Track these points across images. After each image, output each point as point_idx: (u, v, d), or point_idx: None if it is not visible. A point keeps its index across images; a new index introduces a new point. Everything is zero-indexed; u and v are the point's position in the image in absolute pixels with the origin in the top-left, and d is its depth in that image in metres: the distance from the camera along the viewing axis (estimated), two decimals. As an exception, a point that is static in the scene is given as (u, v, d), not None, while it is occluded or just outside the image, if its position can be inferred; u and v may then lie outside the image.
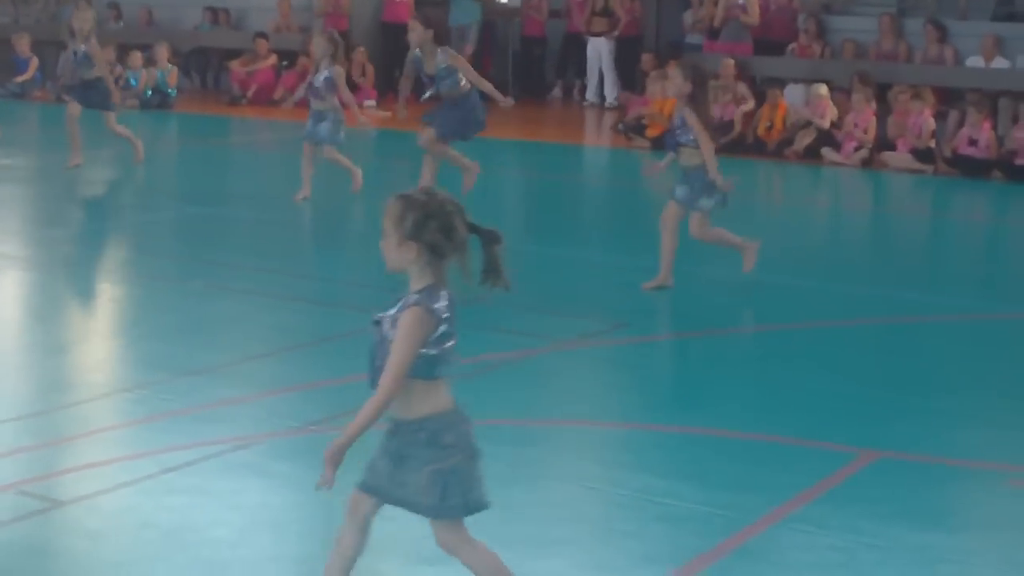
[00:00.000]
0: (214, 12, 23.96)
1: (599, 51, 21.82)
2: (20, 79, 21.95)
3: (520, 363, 7.69)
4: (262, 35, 22.44)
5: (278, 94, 21.80)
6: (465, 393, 4.25)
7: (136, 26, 24.18)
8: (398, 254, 4.09)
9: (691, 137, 9.07)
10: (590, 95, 22.10)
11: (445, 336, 4.08)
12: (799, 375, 7.68)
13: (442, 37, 11.90)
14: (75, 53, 14.49)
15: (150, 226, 11.96)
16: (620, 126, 18.61)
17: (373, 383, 4.10)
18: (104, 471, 5.86)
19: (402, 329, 4.01)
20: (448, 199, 4.12)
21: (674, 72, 9.22)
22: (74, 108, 14.49)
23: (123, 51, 21.08)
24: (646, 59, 20.13)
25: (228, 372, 7.41)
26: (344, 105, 12.82)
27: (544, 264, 10.29)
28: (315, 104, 12.84)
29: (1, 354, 7.87)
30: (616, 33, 21.73)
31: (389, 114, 20.92)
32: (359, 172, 12.89)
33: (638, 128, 17.87)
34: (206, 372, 7.36)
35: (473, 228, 4.12)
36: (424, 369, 4.08)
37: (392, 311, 4.09)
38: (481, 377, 7.15)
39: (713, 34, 20.02)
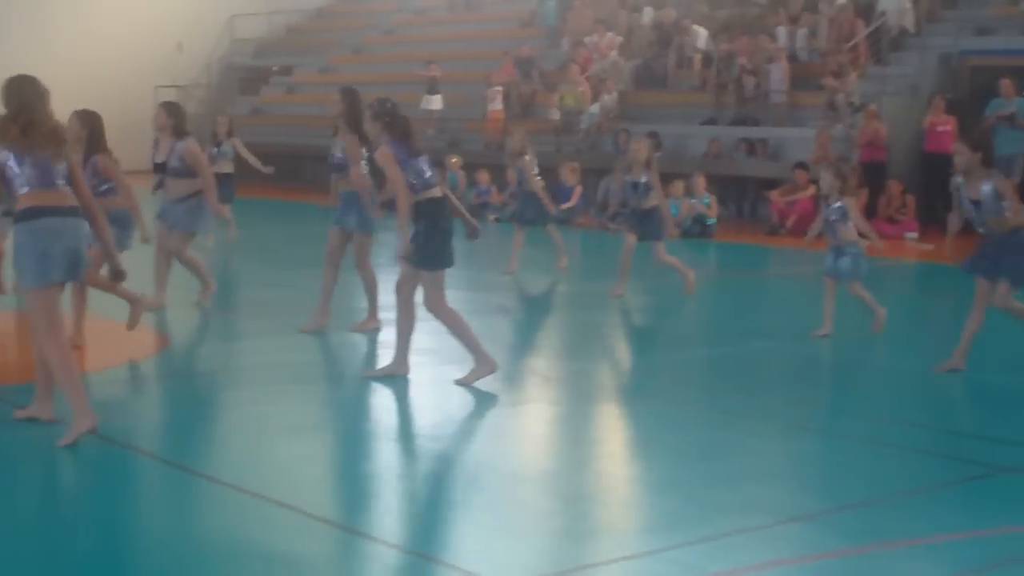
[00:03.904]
0: (749, 143, 24.18)
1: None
2: (565, 206, 22.77)
3: None
4: (802, 165, 22.45)
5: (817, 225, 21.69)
6: None
7: (674, 156, 24.59)
8: None
9: None
10: None
11: None
12: None
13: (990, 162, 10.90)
14: (635, 184, 14.88)
15: (712, 360, 11.96)
16: None
17: None
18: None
19: None
20: None
21: None
22: (631, 239, 14.86)
23: (663, 180, 21.50)
24: None
25: (830, 520, 7.18)
26: (862, 236, 12.60)
27: None
28: (830, 240, 12.65)
29: (608, 492, 7.99)
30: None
31: (931, 247, 20.44)
32: (882, 311, 12.56)
33: None
34: (807, 519, 7.17)
35: None
36: None
37: None
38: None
39: None
